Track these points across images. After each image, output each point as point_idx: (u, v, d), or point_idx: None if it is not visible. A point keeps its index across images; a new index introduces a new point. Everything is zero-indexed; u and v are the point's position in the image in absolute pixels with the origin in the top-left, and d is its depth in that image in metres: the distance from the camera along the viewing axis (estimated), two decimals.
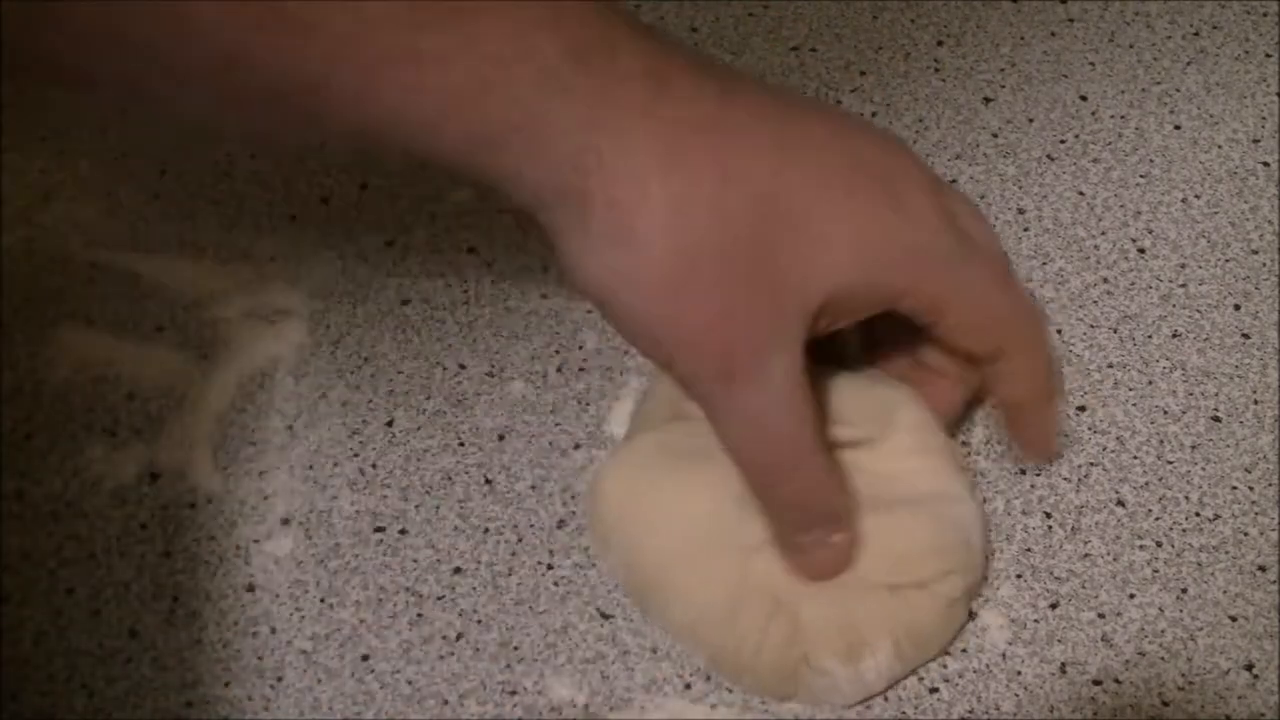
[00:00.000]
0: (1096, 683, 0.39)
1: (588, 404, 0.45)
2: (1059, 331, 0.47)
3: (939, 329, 0.37)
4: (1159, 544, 0.42)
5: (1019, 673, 0.39)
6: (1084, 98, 0.54)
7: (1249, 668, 0.39)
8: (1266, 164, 0.52)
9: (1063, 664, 0.39)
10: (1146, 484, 0.43)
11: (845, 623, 0.37)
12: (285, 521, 0.42)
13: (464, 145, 0.30)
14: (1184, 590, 0.41)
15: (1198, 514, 0.42)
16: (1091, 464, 0.43)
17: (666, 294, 0.32)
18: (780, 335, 0.33)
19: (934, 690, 0.39)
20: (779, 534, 0.38)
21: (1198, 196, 0.51)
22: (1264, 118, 0.53)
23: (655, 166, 0.31)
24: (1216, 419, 0.45)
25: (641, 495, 0.40)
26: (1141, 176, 0.51)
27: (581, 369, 0.46)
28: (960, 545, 0.39)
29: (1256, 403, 0.45)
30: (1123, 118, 0.53)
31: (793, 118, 0.34)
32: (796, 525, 0.37)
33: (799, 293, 0.33)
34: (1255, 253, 0.49)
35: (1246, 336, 0.47)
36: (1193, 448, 0.44)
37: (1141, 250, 0.49)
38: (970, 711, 0.38)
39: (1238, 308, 0.47)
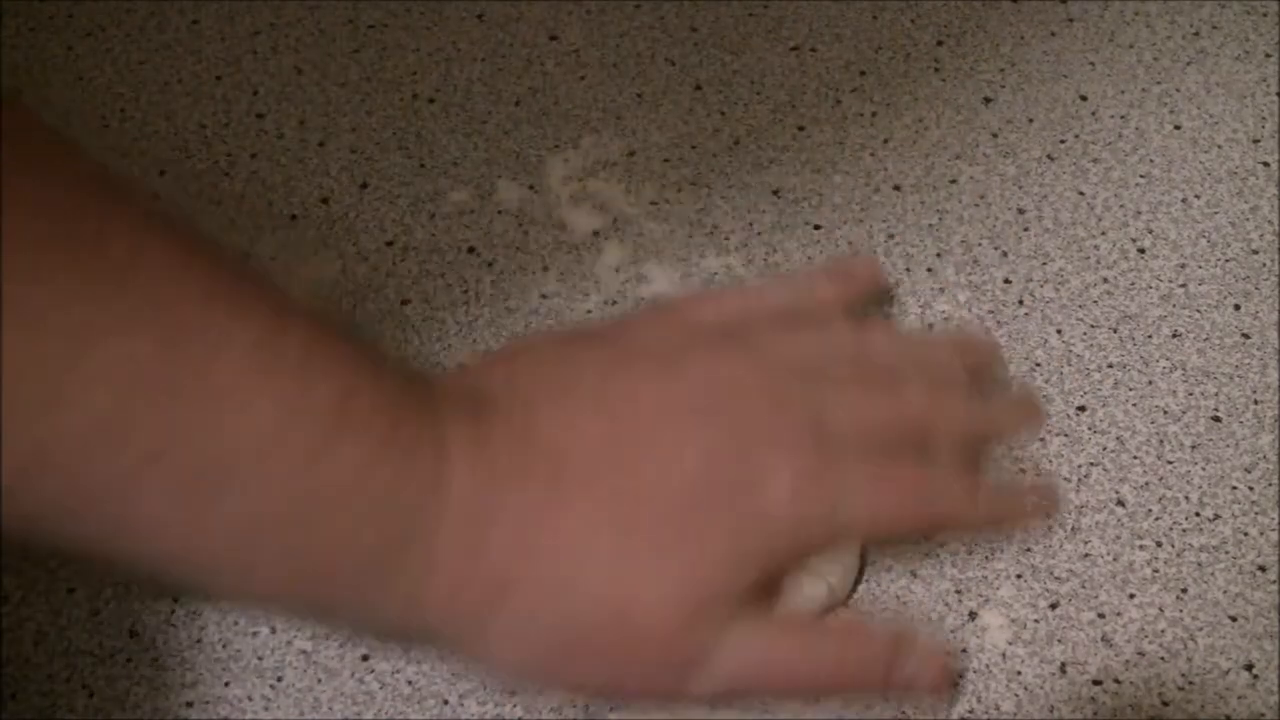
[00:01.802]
0: (1096, 683, 0.39)
1: None
2: (1059, 331, 0.47)
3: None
4: (1159, 544, 0.42)
5: (1019, 673, 0.39)
6: (1084, 98, 0.54)
7: (1249, 668, 0.39)
8: (1266, 164, 0.52)
9: (1063, 664, 0.39)
10: (1146, 484, 0.43)
11: None
12: None
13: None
14: (1184, 590, 0.41)
15: (1198, 514, 0.42)
16: (1091, 464, 0.43)
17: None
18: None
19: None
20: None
21: (1198, 196, 0.51)
22: (1264, 118, 0.53)
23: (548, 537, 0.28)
24: (1216, 419, 0.45)
25: None
26: (1141, 176, 0.51)
27: None
28: None
29: (1256, 403, 0.45)
30: (1123, 118, 0.53)
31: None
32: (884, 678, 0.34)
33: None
34: (1255, 253, 0.49)
35: (1246, 336, 0.47)
36: (1193, 448, 0.44)
37: (1141, 250, 0.49)
38: (970, 711, 0.38)
39: (1238, 308, 0.47)
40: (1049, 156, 0.52)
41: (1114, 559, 0.41)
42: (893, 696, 0.37)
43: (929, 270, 0.48)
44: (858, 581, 0.40)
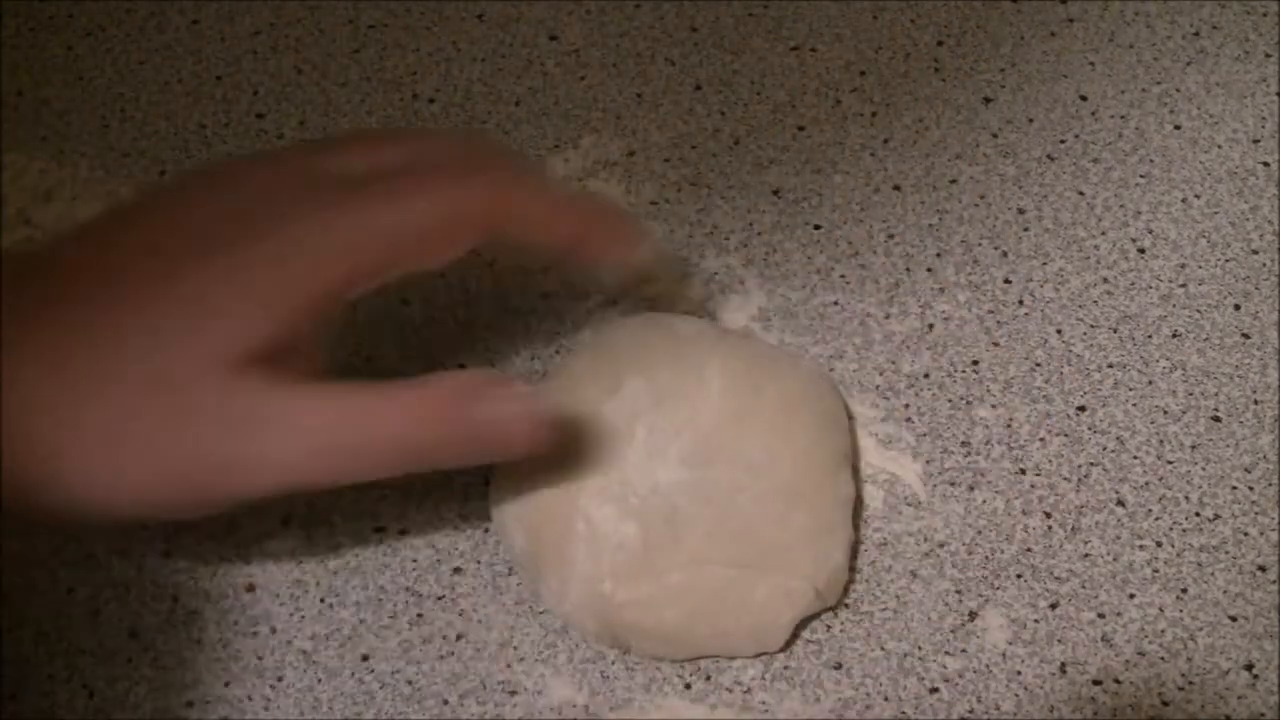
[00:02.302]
0: (1096, 683, 0.39)
1: None
2: (1059, 331, 0.47)
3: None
4: (1159, 544, 0.42)
5: (1019, 673, 0.39)
6: (1084, 98, 0.54)
7: (1249, 668, 0.39)
8: (1266, 164, 0.52)
9: (1063, 664, 0.39)
10: (1146, 484, 0.43)
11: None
12: (285, 521, 0.42)
13: None
14: (1184, 590, 0.41)
15: (1198, 514, 0.42)
16: (1091, 464, 0.43)
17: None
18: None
19: (934, 690, 0.39)
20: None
21: (1198, 196, 0.51)
22: (1264, 118, 0.53)
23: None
24: (1216, 419, 0.45)
25: None
26: (1141, 176, 0.51)
27: None
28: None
29: (1256, 403, 0.45)
30: (1123, 118, 0.53)
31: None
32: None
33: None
34: (1255, 253, 0.49)
35: (1246, 336, 0.47)
36: (1193, 448, 0.44)
37: (1141, 250, 0.49)
38: (970, 711, 0.38)
39: (1238, 308, 0.47)
40: (1049, 156, 0.52)
41: (1114, 559, 0.41)
42: (487, 450, 0.37)
43: (929, 270, 0.48)
44: (848, 585, 0.40)
